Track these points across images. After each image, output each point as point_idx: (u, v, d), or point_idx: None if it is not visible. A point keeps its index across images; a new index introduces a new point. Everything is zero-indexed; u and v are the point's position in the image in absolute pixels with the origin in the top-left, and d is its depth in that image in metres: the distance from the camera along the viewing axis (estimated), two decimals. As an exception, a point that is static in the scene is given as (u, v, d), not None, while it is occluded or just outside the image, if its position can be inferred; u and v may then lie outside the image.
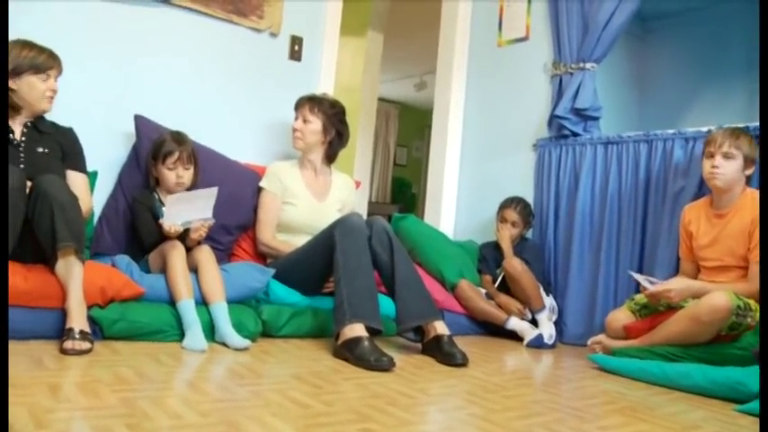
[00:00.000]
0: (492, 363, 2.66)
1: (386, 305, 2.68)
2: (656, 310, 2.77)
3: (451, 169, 4.31)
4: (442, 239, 3.77)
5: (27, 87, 2.56)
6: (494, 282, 3.53)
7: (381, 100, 6.64)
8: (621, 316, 2.86)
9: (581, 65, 3.61)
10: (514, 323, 3.29)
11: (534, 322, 3.31)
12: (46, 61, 2.58)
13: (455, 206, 4.33)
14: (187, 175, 2.84)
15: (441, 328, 2.60)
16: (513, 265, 3.29)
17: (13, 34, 2.67)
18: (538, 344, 3.18)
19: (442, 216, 4.26)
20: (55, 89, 2.62)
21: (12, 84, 2.55)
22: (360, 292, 2.48)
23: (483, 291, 3.47)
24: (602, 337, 2.88)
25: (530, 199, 3.73)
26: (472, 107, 4.34)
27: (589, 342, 2.94)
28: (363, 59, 5.91)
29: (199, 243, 2.70)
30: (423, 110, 10.39)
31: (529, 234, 3.71)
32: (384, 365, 2.26)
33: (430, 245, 3.64)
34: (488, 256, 3.65)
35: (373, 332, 2.44)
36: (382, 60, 6.16)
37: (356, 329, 2.39)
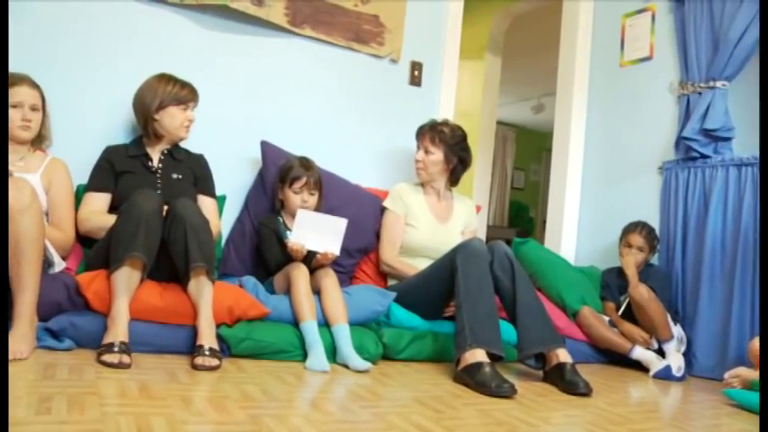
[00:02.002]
0: (616, 393, 2.56)
1: (507, 331, 2.64)
2: None
3: (572, 193, 4.22)
4: (563, 265, 3.68)
5: (168, 118, 2.76)
6: (617, 309, 3.40)
7: (498, 123, 6.61)
8: None
9: (710, 83, 3.45)
10: (639, 353, 3.16)
11: (661, 352, 3.17)
12: (187, 95, 2.79)
13: (576, 231, 4.23)
14: (312, 199, 2.93)
15: (563, 355, 2.54)
16: (640, 292, 3.15)
17: (154, 68, 2.88)
18: (666, 376, 3.03)
19: (562, 241, 4.17)
20: (192, 119, 2.81)
21: (155, 115, 2.75)
22: (481, 317, 2.46)
23: (606, 318, 3.36)
24: (740, 370, 2.69)
25: (654, 224, 3.59)
26: (594, 129, 4.24)
27: (726, 376, 2.74)
28: (482, 83, 5.92)
29: (322, 266, 2.77)
30: (540, 132, 10.27)
31: (654, 260, 3.57)
32: (505, 392, 2.23)
33: (551, 270, 3.56)
34: (611, 283, 3.53)
35: (494, 358, 2.41)
36: (500, 83, 6.15)
37: (477, 355, 2.37)
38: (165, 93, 2.77)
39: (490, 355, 2.40)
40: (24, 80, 2.55)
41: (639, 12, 4.02)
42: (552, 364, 2.55)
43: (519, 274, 2.66)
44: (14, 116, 2.51)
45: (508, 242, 3.31)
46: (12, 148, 2.56)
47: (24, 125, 2.53)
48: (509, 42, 6.17)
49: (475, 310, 2.48)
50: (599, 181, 4.15)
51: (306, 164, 2.96)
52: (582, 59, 4.29)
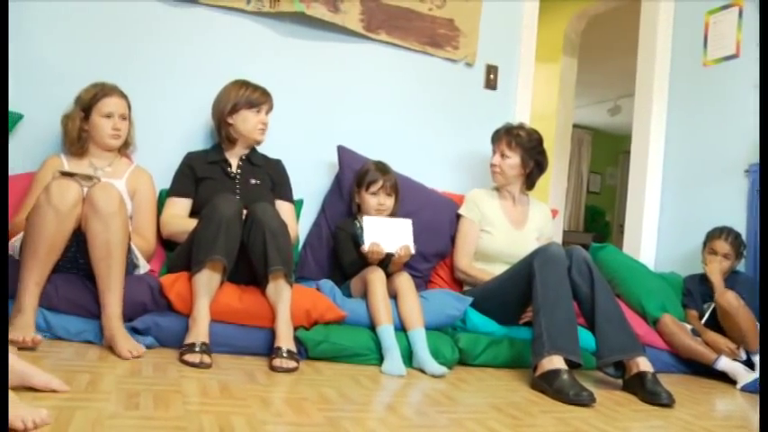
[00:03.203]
0: (700, 405, 2.46)
1: (585, 338, 2.59)
2: None
3: (652, 197, 4.10)
4: (642, 271, 3.58)
5: (241, 121, 2.83)
6: (700, 317, 3.28)
7: (574, 126, 6.51)
8: None
9: (804, 82, 3.29)
10: (725, 364, 3.03)
11: (749, 364, 3.03)
12: (259, 97, 2.84)
13: (656, 236, 4.10)
14: (388, 202, 2.94)
15: (644, 364, 2.46)
16: (728, 299, 3.01)
17: (233, 75, 2.95)
18: (755, 389, 2.88)
19: (641, 246, 4.05)
20: (265, 122, 2.86)
21: (229, 119, 2.82)
22: (559, 323, 2.42)
23: (688, 327, 3.24)
24: None
25: (740, 229, 3.43)
26: (675, 131, 4.11)
27: None
28: (557, 85, 5.85)
29: (399, 269, 2.76)
30: (617, 135, 10.06)
31: (739, 267, 3.42)
32: (584, 400, 2.18)
33: (630, 276, 3.46)
34: (694, 290, 3.40)
35: (572, 365, 2.36)
36: (575, 85, 6.05)
37: (555, 362, 2.33)
38: (237, 96, 2.84)
39: (568, 362, 2.35)
40: (114, 90, 2.66)
41: (725, 8, 3.87)
42: (632, 373, 2.48)
43: (598, 279, 2.60)
44: (106, 125, 2.62)
45: (585, 247, 3.24)
46: (100, 154, 2.68)
47: (115, 134, 2.64)
48: (585, 43, 6.07)
49: (553, 316, 2.44)
50: (680, 184, 4.02)
51: (382, 167, 2.99)
52: (662, 59, 4.17)
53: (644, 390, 2.38)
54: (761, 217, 2.33)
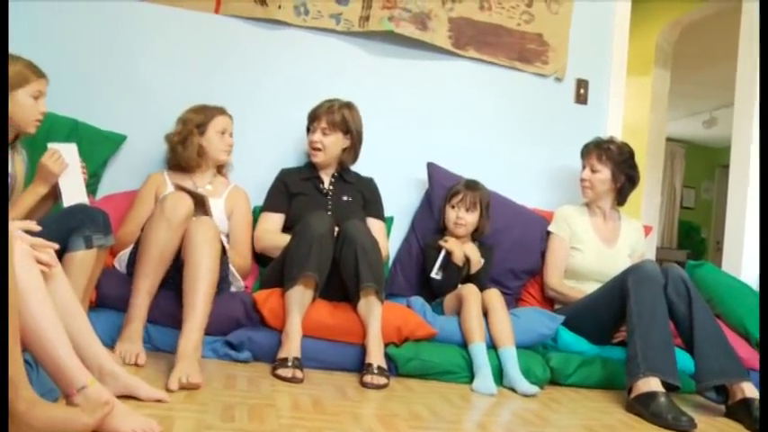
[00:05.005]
0: (814, 435, 2.32)
1: (683, 359, 2.48)
2: None
3: (754, 212, 3.90)
4: (744, 290, 3.39)
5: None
6: (810, 340, 3.09)
7: (667, 139, 6.30)
8: None
9: None
10: (839, 390, 2.85)
11: None
12: (311, 115, 2.95)
13: (759, 253, 3.90)
14: (468, 217, 2.91)
15: (749, 390, 2.33)
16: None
17: (323, 94, 3.02)
18: None
19: (743, 264, 3.85)
20: (315, 140, 2.91)
21: None
22: (655, 344, 2.33)
23: (797, 350, 3.07)
24: None
25: None
26: (778, 143, 3.91)
27: None
28: (649, 98, 5.69)
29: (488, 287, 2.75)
30: (712, 148, 9.71)
31: None
32: (683, 425, 2.10)
33: (731, 296, 3.29)
34: (803, 311, 3.22)
35: (670, 388, 2.27)
36: (668, 97, 5.88)
37: (651, 384, 2.24)
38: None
39: (665, 385, 2.26)
40: (224, 110, 2.83)
41: (832, 13, 3.67)
42: (736, 399, 2.35)
43: (696, 298, 2.49)
44: (221, 141, 2.79)
45: (680, 265, 3.12)
46: (205, 171, 2.82)
47: (228, 150, 2.82)
48: (678, 53, 5.88)
49: (648, 336, 2.35)
50: (785, 199, 3.82)
51: (470, 183, 2.98)
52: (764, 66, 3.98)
53: (750, 418, 2.25)
54: (760, 215, 2.20)
